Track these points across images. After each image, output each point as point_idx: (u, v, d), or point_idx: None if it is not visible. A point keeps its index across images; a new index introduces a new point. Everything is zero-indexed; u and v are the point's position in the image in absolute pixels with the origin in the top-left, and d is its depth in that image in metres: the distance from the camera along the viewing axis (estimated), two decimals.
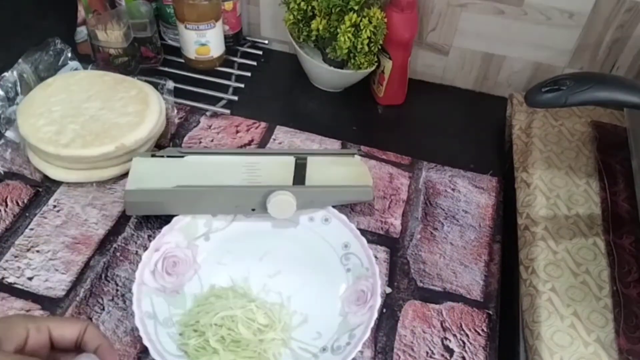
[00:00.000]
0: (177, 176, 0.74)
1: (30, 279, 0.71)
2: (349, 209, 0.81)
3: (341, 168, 0.80)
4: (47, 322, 0.47)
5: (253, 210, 0.73)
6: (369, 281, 0.69)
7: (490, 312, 0.72)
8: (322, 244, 0.74)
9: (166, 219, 0.72)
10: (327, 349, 0.65)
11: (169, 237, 0.71)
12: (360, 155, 0.89)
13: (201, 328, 0.64)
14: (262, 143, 0.90)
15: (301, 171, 0.78)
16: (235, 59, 1.05)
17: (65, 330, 0.48)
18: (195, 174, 0.75)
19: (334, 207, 0.76)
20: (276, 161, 0.80)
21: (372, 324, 0.64)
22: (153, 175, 0.74)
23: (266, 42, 1.09)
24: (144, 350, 0.65)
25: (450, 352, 0.68)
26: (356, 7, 0.88)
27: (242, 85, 0.99)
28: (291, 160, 0.80)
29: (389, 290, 0.73)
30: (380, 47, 0.92)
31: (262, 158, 0.80)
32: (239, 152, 0.82)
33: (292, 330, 0.67)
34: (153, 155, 0.78)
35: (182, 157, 0.78)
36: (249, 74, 1.02)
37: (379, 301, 0.67)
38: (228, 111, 0.94)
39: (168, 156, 0.78)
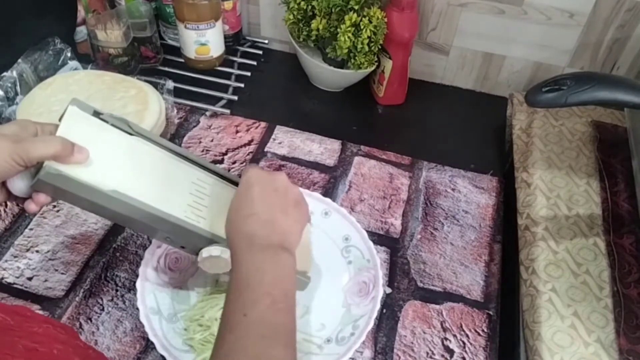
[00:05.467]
0: (115, 168, 0.57)
1: (29, 279, 0.71)
2: (348, 208, 0.81)
3: None
4: (49, 126, 0.56)
5: (182, 247, 0.62)
6: (371, 272, 0.70)
7: (491, 312, 0.72)
8: (323, 237, 0.74)
9: None
10: (331, 340, 0.65)
11: None
12: (361, 155, 0.89)
13: (206, 322, 0.64)
14: (262, 143, 0.90)
15: None
16: (235, 58, 1.05)
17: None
18: (137, 173, 0.59)
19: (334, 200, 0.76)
20: (229, 192, 0.64)
21: (375, 314, 0.65)
22: (91, 152, 0.56)
23: (266, 41, 1.09)
24: (144, 351, 0.65)
25: (451, 352, 0.68)
26: (356, 7, 0.88)
27: (242, 85, 0.99)
28: None
29: (389, 290, 0.73)
30: (380, 46, 0.92)
31: (213, 180, 0.65)
32: (193, 161, 0.65)
33: (296, 321, 0.67)
34: (96, 114, 0.59)
35: (131, 135, 0.61)
36: (248, 74, 1.02)
37: (380, 292, 0.67)
38: (228, 111, 0.94)
39: (113, 125, 0.60)
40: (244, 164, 0.87)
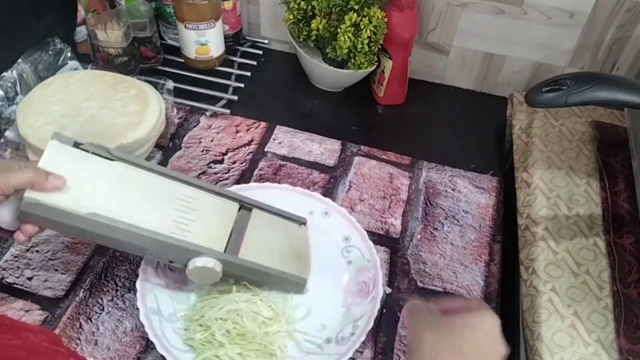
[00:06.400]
0: (94, 192, 0.59)
1: (29, 279, 0.71)
2: (348, 208, 0.81)
3: (283, 239, 0.70)
4: (34, 162, 0.59)
5: (171, 262, 0.63)
6: (371, 272, 0.70)
7: None
8: (323, 237, 0.74)
9: None
10: (331, 340, 0.65)
11: None
12: (361, 155, 0.89)
13: (206, 322, 0.64)
14: (262, 143, 0.90)
15: (239, 234, 0.66)
16: (235, 58, 1.05)
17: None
18: (118, 195, 0.61)
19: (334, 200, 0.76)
20: (216, 204, 0.67)
21: (375, 314, 0.65)
22: (69, 179, 0.58)
23: (266, 41, 1.09)
24: (144, 351, 0.65)
25: None
26: (356, 7, 0.88)
27: (242, 85, 0.99)
28: (234, 208, 0.68)
29: (389, 290, 0.73)
30: (380, 46, 0.92)
31: (198, 194, 0.66)
32: (177, 178, 0.65)
33: (297, 322, 0.67)
34: (76, 145, 0.61)
35: (112, 160, 0.62)
36: (248, 74, 1.02)
37: (380, 292, 0.67)
38: (228, 111, 0.94)
39: (94, 153, 0.61)
40: (244, 164, 0.87)
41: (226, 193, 0.69)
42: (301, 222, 0.74)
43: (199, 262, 0.61)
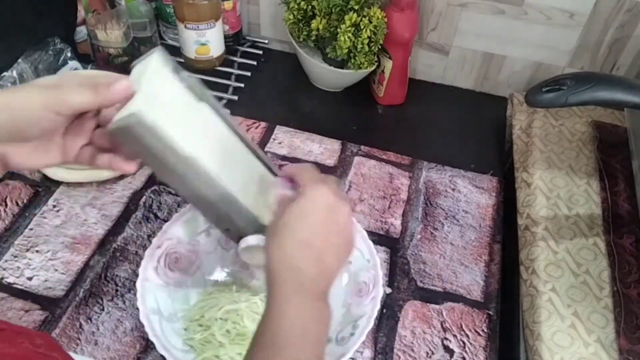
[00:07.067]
0: (193, 133, 0.52)
1: (29, 279, 0.71)
2: None
3: None
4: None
5: (227, 230, 0.59)
6: (370, 273, 0.70)
7: (491, 312, 0.72)
8: None
9: (166, 217, 0.72)
10: (331, 340, 0.65)
11: (170, 234, 0.71)
12: (361, 155, 0.89)
13: (206, 322, 0.64)
14: (262, 143, 0.90)
15: None
16: (235, 58, 1.05)
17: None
18: (210, 146, 0.54)
19: None
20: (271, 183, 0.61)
21: (375, 314, 0.65)
22: (170, 107, 0.51)
23: (266, 41, 1.09)
24: (144, 351, 0.65)
25: (451, 352, 0.68)
26: (356, 7, 0.88)
27: (242, 85, 0.99)
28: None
29: (389, 290, 0.73)
30: (380, 46, 0.92)
31: (262, 170, 0.61)
32: (257, 154, 0.60)
33: None
34: (176, 70, 0.52)
35: (199, 101, 0.54)
36: (248, 74, 1.02)
37: (380, 292, 0.67)
38: (228, 111, 0.94)
39: (187, 87, 0.53)
40: None
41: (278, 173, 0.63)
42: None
43: (256, 239, 0.56)
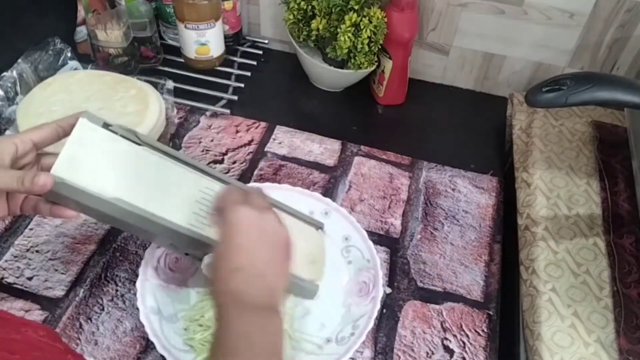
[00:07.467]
0: (120, 176, 0.58)
1: (29, 279, 0.71)
2: (348, 208, 0.81)
3: (300, 242, 0.65)
4: (27, 134, 0.57)
5: (187, 254, 0.64)
6: (371, 272, 0.70)
7: (491, 312, 0.72)
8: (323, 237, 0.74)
9: None
10: (331, 340, 0.65)
11: None
12: (361, 155, 0.89)
13: (206, 322, 0.64)
14: (262, 143, 0.90)
15: None
16: (235, 58, 1.05)
17: (44, 134, 0.57)
18: (143, 181, 0.59)
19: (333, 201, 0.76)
20: None
21: (375, 314, 0.65)
22: (95, 161, 0.57)
23: (266, 41, 1.09)
24: (144, 351, 0.65)
25: (451, 352, 0.68)
26: (356, 7, 0.88)
27: (242, 85, 0.99)
28: None
29: (389, 290, 0.73)
30: (380, 46, 0.92)
31: (220, 187, 0.64)
32: (201, 170, 0.64)
33: (296, 321, 0.67)
34: (105, 126, 0.59)
35: (139, 145, 0.60)
36: (248, 74, 1.02)
37: (380, 292, 0.67)
38: (228, 111, 0.94)
39: (122, 136, 0.59)
40: (244, 164, 0.87)
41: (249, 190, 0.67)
42: (318, 226, 0.72)
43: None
